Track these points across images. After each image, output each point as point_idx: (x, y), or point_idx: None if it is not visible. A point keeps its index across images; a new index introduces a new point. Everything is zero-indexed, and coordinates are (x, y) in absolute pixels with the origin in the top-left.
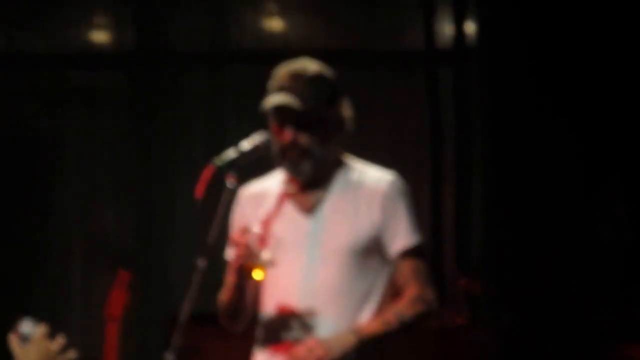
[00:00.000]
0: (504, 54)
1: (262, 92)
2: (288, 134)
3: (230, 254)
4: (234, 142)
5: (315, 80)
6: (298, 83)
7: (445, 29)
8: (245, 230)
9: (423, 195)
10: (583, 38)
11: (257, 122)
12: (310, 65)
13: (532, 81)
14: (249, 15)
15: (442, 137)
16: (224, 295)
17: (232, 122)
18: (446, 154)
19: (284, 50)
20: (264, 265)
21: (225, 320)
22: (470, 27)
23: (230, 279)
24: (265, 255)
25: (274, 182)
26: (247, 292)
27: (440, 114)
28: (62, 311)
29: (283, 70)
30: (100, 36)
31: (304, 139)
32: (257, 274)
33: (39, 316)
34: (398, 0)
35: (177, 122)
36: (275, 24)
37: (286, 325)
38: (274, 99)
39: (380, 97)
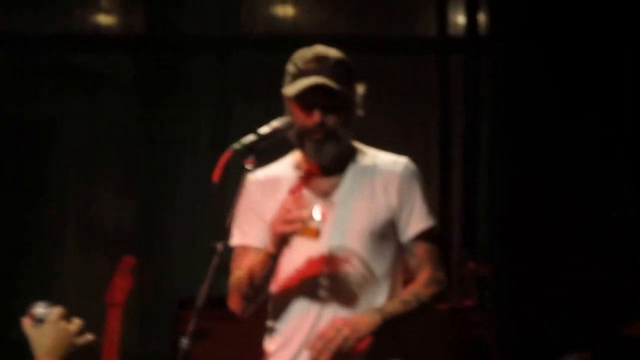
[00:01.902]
0: (515, 44)
1: (271, 79)
2: (317, 115)
3: (276, 222)
4: (241, 128)
5: (339, 63)
6: (324, 65)
7: (458, 16)
8: (300, 199)
9: (431, 180)
10: (595, 29)
11: (264, 108)
12: (329, 50)
13: (542, 71)
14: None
15: (451, 124)
16: (247, 275)
17: (239, 108)
18: (455, 141)
19: (294, 36)
20: (317, 224)
21: (239, 303)
22: (482, 16)
23: (268, 251)
24: (315, 214)
25: (283, 168)
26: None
27: (451, 102)
28: (58, 297)
29: (306, 54)
30: (109, 19)
31: (331, 120)
32: (313, 233)
33: (32, 301)
34: None
35: (184, 107)
36: (285, 9)
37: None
38: (310, 80)
39: (391, 83)
